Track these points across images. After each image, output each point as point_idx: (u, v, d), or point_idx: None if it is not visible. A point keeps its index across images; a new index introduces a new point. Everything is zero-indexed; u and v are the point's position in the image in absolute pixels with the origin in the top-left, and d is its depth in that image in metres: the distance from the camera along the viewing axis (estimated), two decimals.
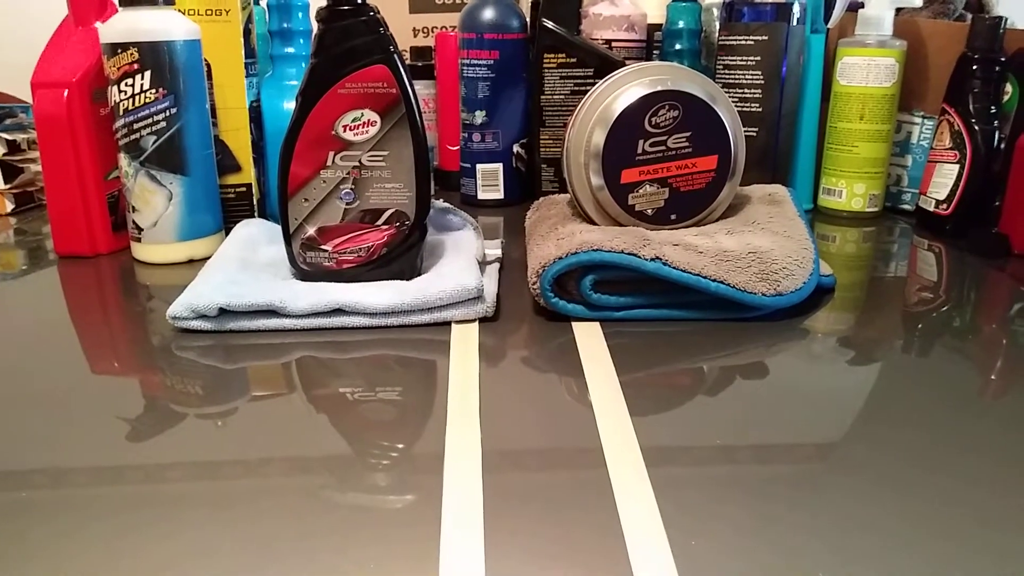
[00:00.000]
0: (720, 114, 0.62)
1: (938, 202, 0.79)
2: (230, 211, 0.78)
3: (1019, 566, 0.33)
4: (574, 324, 0.57)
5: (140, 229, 0.71)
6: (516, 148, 0.90)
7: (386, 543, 0.35)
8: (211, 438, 0.44)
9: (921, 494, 0.38)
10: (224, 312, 0.56)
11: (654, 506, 0.37)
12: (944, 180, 0.78)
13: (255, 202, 0.80)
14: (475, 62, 0.87)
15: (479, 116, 0.89)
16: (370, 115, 0.58)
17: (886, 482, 0.39)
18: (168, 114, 0.69)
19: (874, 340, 0.56)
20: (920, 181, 0.83)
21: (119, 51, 0.67)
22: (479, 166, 0.91)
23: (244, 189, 0.79)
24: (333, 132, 0.58)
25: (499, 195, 0.91)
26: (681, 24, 0.92)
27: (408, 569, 0.34)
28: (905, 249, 0.78)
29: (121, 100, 0.68)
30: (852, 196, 0.84)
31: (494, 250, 0.68)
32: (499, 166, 0.90)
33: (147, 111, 0.68)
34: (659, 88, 0.61)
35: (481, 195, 0.91)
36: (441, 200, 0.71)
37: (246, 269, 0.62)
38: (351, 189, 0.59)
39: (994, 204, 0.75)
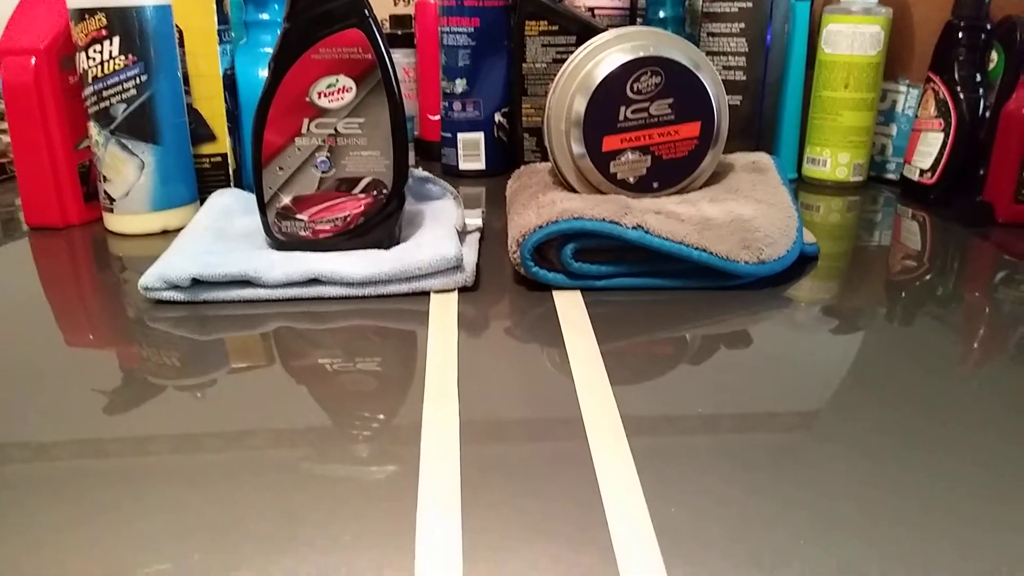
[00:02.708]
0: (703, 80, 0.61)
1: (922, 171, 0.78)
2: (205, 181, 0.76)
3: (1003, 535, 0.33)
4: (555, 293, 0.56)
5: (112, 199, 0.70)
6: (498, 117, 0.89)
7: (362, 516, 0.34)
8: (189, 410, 0.43)
9: (903, 463, 0.38)
10: (197, 282, 0.55)
11: (634, 476, 0.36)
12: (929, 149, 0.77)
13: (231, 172, 0.78)
14: (455, 30, 0.86)
15: (459, 85, 0.87)
16: (345, 81, 0.56)
17: (868, 451, 0.39)
18: (138, 81, 0.67)
19: (858, 309, 0.56)
20: (905, 150, 0.83)
21: (87, 16, 0.65)
22: (460, 136, 0.89)
23: (219, 159, 0.77)
24: (307, 99, 0.56)
25: (480, 165, 0.90)
26: None
27: (384, 542, 0.33)
28: (889, 218, 0.78)
29: (90, 67, 0.66)
30: (836, 165, 0.84)
31: (474, 220, 0.66)
32: (480, 135, 0.89)
33: (116, 78, 0.66)
34: (641, 54, 0.60)
35: (462, 165, 0.90)
36: (420, 169, 0.70)
37: (220, 239, 0.61)
38: (327, 157, 0.58)
39: (979, 173, 0.74)
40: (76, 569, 0.32)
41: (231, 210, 0.67)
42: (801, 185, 0.87)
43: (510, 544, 0.33)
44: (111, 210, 0.71)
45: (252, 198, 0.62)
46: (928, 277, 0.63)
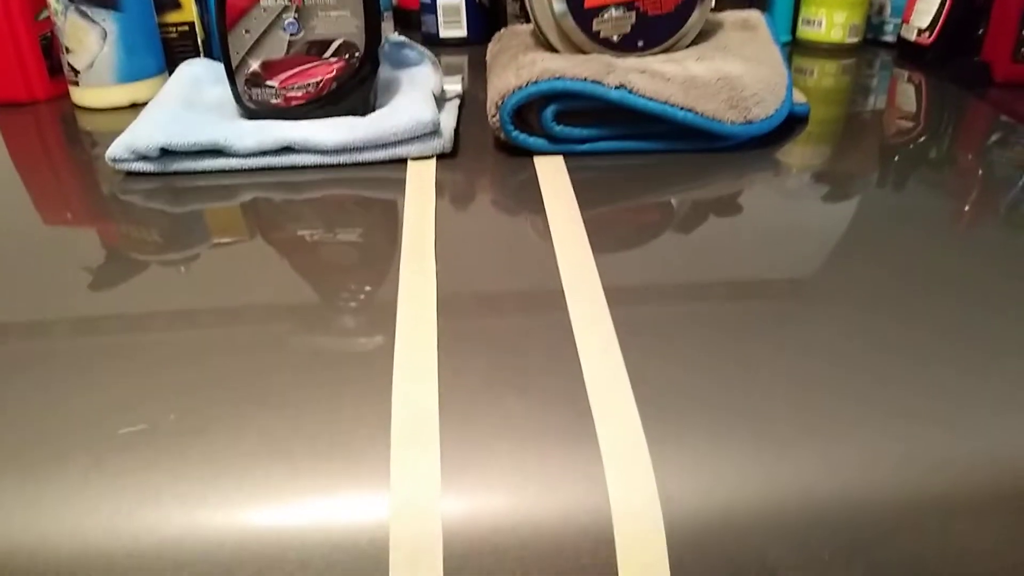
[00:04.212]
0: None
1: (920, 30, 0.75)
2: (173, 52, 0.73)
3: (987, 399, 0.33)
4: (536, 159, 0.55)
5: (76, 72, 0.67)
6: None
7: (339, 379, 0.34)
8: (171, 286, 0.42)
9: (891, 327, 0.37)
10: (166, 152, 0.53)
11: (615, 343, 0.35)
12: (927, 7, 0.74)
13: (199, 42, 0.75)
14: None
15: None
16: None
17: (857, 315, 0.38)
18: None
19: (849, 173, 0.54)
20: (903, 11, 0.79)
21: None
22: (439, 1, 0.85)
23: (186, 28, 0.74)
24: None
25: (462, 33, 0.86)
26: None
27: (360, 399, 0.33)
28: (885, 81, 0.75)
29: None
30: (832, 26, 0.80)
31: (454, 86, 0.64)
32: (461, 0, 0.85)
33: None
34: None
35: (443, 33, 0.86)
36: (396, 33, 0.67)
37: (190, 109, 0.58)
38: (295, 19, 0.55)
39: (977, 32, 0.71)
40: (56, 433, 0.32)
41: (200, 80, 0.64)
42: (795, 48, 0.84)
43: (485, 399, 0.33)
44: (76, 83, 0.68)
45: (222, 68, 0.59)
46: (922, 140, 0.61)
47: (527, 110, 0.54)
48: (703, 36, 0.62)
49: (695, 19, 0.60)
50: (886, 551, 0.29)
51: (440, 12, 0.85)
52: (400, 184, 0.52)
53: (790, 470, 0.30)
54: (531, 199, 0.50)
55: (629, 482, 0.29)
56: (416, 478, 0.30)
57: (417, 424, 0.31)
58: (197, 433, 0.31)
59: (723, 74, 0.54)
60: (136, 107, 0.68)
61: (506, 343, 0.36)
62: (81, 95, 0.69)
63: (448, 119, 0.58)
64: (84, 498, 0.29)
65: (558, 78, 0.52)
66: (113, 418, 0.32)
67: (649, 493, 0.29)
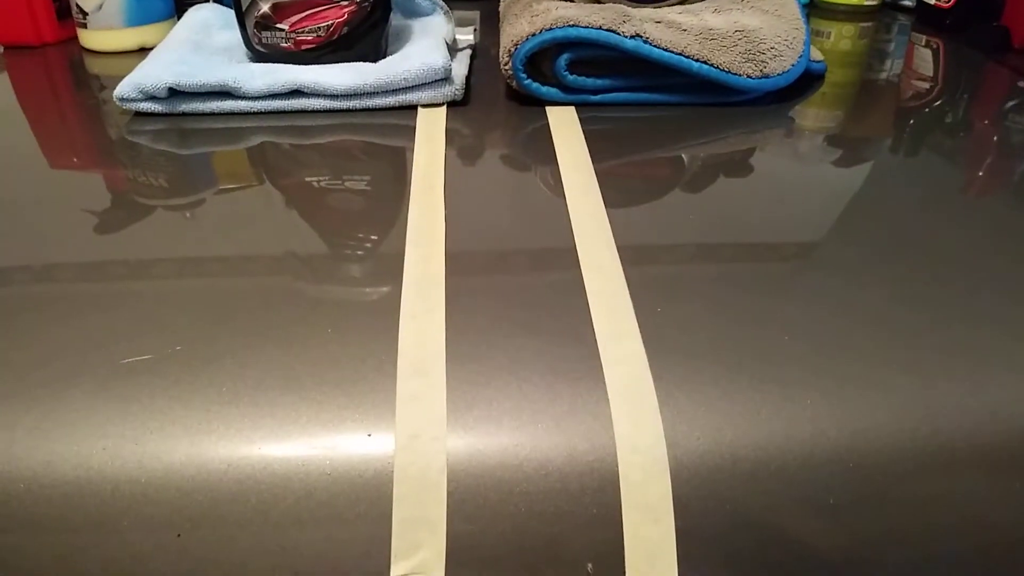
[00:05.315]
0: None
1: None
2: None
3: (995, 352, 0.32)
4: (548, 109, 0.54)
5: (85, 14, 0.66)
6: None
7: (346, 318, 0.34)
8: (178, 231, 0.42)
9: (899, 284, 0.36)
10: (175, 93, 0.53)
11: (625, 291, 0.35)
12: None
13: None
14: None
15: None
16: None
17: (866, 273, 0.37)
18: None
19: (862, 137, 0.54)
20: None
21: None
22: None
23: None
24: None
25: None
26: None
27: (367, 335, 0.32)
28: (902, 45, 0.74)
29: None
30: None
31: (466, 36, 0.63)
32: None
33: None
34: None
35: None
36: None
37: (198, 52, 0.58)
38: None
39: None
40: (61, 360, 0.32)
41: (209, 24, 0.63)
42: (813, 10, 0.82)
43: (492, 337, 0.32)
44: (85, 26, 0.67)
45: (231, 14, 0.58)
46: (937, 104, 0.60)
47: (540, 59, 0.53)
48: None
49: None
50: (891, 496, 0.29)
51: None
52: (410, 131, 0.51)
53: (796, 414, 0.30)
54: (543, 149, 0.49)
55: (635, 422, 0.29)
56: (422, 412, 0.29)
57: (424, 359, 0.31)
58: (204, 363, 0.31)
59: (741, 26, 0.53)
60: (144, 51, 0.67)
61: (515, 289, 0.36)
62: (89, 38, 0.68)
63: (460, 68, 0.57)
64: (89, 423, 0.29)
65: (572, 25, 0.51)
66: (118, 349, 0.32)
67: (655, 434, 0.29)
